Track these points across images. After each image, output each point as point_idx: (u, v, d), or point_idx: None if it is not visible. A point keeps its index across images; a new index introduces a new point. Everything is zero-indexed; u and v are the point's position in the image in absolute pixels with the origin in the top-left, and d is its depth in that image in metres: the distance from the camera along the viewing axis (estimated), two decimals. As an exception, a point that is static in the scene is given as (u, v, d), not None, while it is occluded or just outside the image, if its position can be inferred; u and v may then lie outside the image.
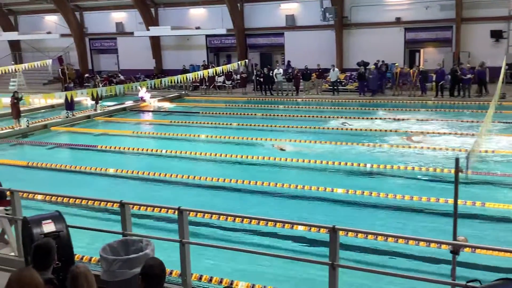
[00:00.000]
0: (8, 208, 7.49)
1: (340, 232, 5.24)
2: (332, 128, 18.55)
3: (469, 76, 23.75)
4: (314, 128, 18.65)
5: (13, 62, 35.27)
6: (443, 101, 23.95)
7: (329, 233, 5.14)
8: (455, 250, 5.25)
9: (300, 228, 8.88)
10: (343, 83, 28.34)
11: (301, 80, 27.70)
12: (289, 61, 30.11)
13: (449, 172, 12.07)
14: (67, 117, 21.69)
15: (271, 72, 27.82)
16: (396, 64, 26.55)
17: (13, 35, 37.15)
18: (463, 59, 26.30)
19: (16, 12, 38.86)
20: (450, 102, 23.64)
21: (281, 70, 27.80)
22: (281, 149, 15.90)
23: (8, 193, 7.35)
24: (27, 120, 19.74)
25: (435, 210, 10.16)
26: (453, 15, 27.23)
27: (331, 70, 27.16)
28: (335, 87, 27.27)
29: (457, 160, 5.36)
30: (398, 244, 8.43)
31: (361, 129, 18.26)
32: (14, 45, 39.23)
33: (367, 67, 26.51)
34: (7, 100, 19.13)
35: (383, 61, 27.26)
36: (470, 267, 7.43)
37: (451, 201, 9.43)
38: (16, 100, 19.35)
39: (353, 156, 14.46)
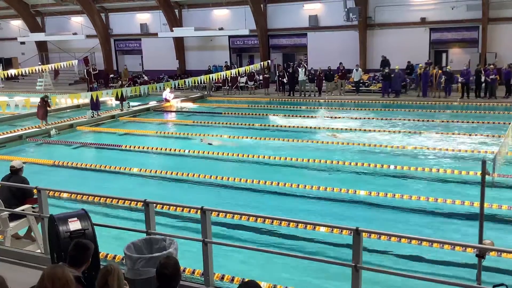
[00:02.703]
0: (35, 206, 7.65)
1: (363, 234, 5.21)
2: (355, 129, 18.43)
3: (492, 77, 23.34)
4: (336, 129, 18.58)
5: (40, 63, 35.97)
6: (468, 102, 23.58)
7: (352, 235, 5.12)
8: (481, 254, 5.18)
9: (323, 229, 8.85)
10: (366, 83, 28.16)
11: (323, 81, 27.57)
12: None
13: (475, 174, 11.88)
14: (92, 116, 22.01)
15: (294, 71, 27.61)
16: (420, 65, 26.22)
17: (40, 36, 37.87)
18: (490, 60, 25.84)
19: (43, 13, 39.58)
20: (475, 103, 23.27)
21: (303, 70, 27.63)
22: (209, 143, 16.81)
23: (35, 191, 7.50)
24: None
25: (460, 213, 10.02)
26: (479, 15, 26.74)
27: (354, 70, 27.06)
28: (357, 87, 27.20)
29: (483, 162, 5.29)
30: (422, 246, 8.34)
31: (384, 131, 18.10)
32: (41, 46, 40.04)
33: (391, 67, 26.27)
34: (34, 100, 19.36)
35: (408, 62, 27.41)
36: (496, 271, 7.30)
37: (476, 204, 9.28)
38: (45, 104, 19.58)
39: (377, 158, 14.35)
